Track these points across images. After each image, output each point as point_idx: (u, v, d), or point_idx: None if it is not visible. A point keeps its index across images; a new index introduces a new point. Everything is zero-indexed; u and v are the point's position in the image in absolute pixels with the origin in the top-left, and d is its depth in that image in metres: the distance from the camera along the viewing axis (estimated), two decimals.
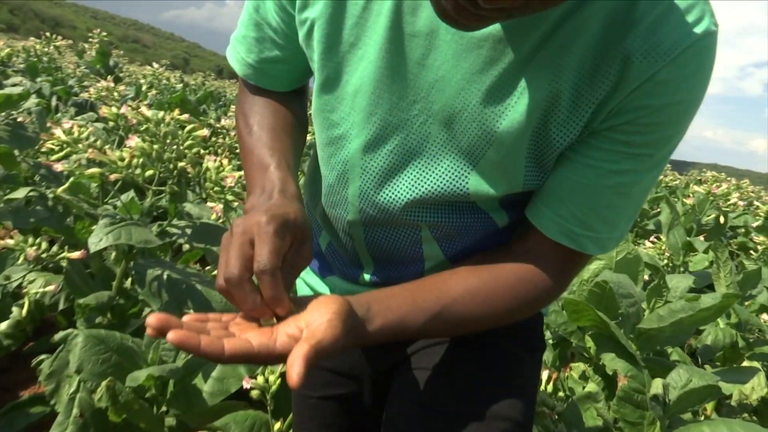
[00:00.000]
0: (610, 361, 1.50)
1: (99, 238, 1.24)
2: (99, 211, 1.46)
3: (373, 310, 0.61)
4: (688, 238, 2.33)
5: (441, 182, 0.68)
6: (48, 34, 4.02)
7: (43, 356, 1.56)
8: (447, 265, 0.74)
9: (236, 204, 1.32)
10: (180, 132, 1.39)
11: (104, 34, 5.19)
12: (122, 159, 1.26)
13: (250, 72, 0.78)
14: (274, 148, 0.72)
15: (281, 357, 0.52)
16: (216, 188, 1.28)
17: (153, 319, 0.48)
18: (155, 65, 3.93)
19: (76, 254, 1.45)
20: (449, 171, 0.67)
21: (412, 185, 0.69)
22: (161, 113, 1.37)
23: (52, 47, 4.01)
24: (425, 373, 0.77)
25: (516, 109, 0.61)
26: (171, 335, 0.47)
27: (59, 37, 4.05)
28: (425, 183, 0.68)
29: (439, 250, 0.76)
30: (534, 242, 0.70)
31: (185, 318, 0.54)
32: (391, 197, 0.70)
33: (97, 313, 1.55)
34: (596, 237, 0.67)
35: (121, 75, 5.41)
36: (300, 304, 0.58)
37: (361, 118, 0.68)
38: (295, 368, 0.47)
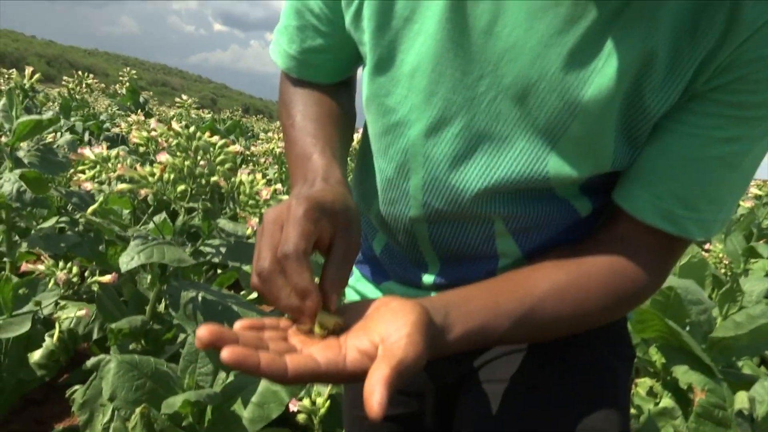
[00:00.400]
0: (684, 374, 1.36)
1: (130, 257, 1.18)
2: (130, 233, 1.41)
3: (452, 316, 0.53)
4: (750, 243, 2.17)
5: (516, 166, 0.60)
6: (80, 72, 4.10)
7: (76, 386, 1.50)
8: (523, 263, 0.65)
9: None
10: (212, 148, 1.34)
11: (134, 72, 5.29)
12: (152, 174, 1.21)
13: (293, 64, 0.73)
14: (317, 137, 0.67)
15: (352, 376, 0.45)
16: (251, 202, 1.21)
17: (204, 331, 0.41)
18: (184, 97, 3.97)
19: (107, 278, 1.40)
20: (525, 153, 0.59)
21: (483, 172, 0.61)
22: (192, 128, 1.32)
23: (84, 87, 4.09)
24: (501, 386, 0.67)
25: (604, 72, 0.53)
26: (226, 353, 0.40)
27: (91, 75, 4.12)
28: (497, 169, 0.61)
29: (514, 245, 0.67)
30: (626, 229, 0.61)
31: (238, 326, 0.47)
32: (459, 187, 0.63)
33: (130, 339, 1.49)
34: (700, 219, 0.58)
35: (151, 112, 5.51)
36: (353, 311, 0.50)
37: (421, 99, 0.61)
38: (375, 396, 0.40)
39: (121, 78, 5.17)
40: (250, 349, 0.42)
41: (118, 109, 5.49)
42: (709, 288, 1.62)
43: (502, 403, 0.65)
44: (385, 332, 0.46)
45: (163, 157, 1.21)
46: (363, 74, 0.69)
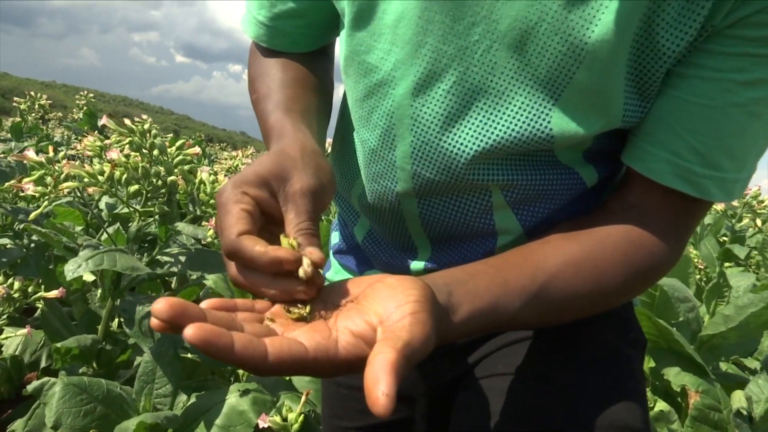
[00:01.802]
0: (676, 376, 1.30)
1: (78, 265, 1.06)
2: (80, 242, 1.29)
3: (456, 294, 0.45)
4: (726, 246, 2.15)
5: (515, 125, 0.53)
6: (33, 93, 3.92)
7: (18, 421, 1.34)
8: (524, 241, 0.58)
9: None
10: (170, 150, 1.24)
11: (92, 95, 5.12)
12: (102, 173, 1.10)
13: (262, 32, 0.66)
14: (292, 110, 0.59)
15: (345, 364, 0.37)
16: (212, 201, 1.11)
17: (162, 304, 0.33)
18: (144, 116, 3.82)
19: (54, 293, 1.27)
20: (525, 109, 0.53)
21: (479, 133, 0.54)
22: (147, 124, 1.22)
23: (37, 108, 3.91)
24: (505, 380, 0.59)
25: (611, 8, 0.47)
26: (191, 330, 0.31)
27: (44, 96, 3.95)
28: (495, 128, 0.54)
29: (515, 219, 0.59)
30: (639, 195, 0.55)
31: (205, 304, 0.38)
32: (452, 152, 0.56)
33: (80, 361, 1.34)
34: (721, 178, 0.52)
35: (109, 136, 5.32)
36: (340, 290, 0.43)
37: (407, 53, 0.54)
38: (380, 386, 0.32)
39: (78, 101, 4.99)
40: (220, 329, 0.32)
41: (74, 136, 5.28)
42: (693, 287, 1.58)
43: (508, 397, 0.57)
44: (384, 311, 0.38)
45: (114, 154, 1.11)
46: (341, 35, 0.62)
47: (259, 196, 0.44)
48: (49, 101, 4.07)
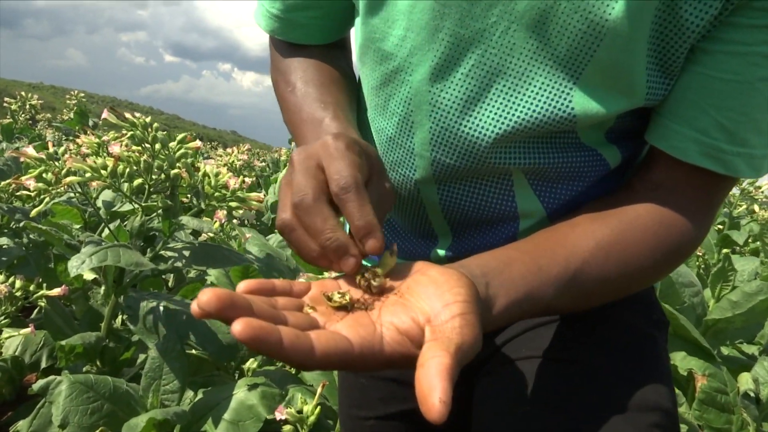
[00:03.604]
0: (682, 361, 1.30)
1: (81, 261, 1.05)
2: (81, 238, 1.27)
3: (493, 285, 0.44)
4: (725, 232, 2.17)
5: (536, 106, 0.53)
6: (23, 93, 3.88)
7: (21, 422, 1.33)
8: (546, 225, 0.57)
9: (240, 212, 1.14)
10: (171, 144, 1.22)
11: (82, 95, 5.07)
12: (105, 167, 1.08)
13: (277, 26, 0.66)
14: (326, 102, 0.60)
15: (389, 361, 0.36)
16: (217, 194, 1.10)
17: (210, 296, 0.32)
18: (137, 114, 3.79)
19: (56, 291, 1.25)
20: (546, 89, 0.52)
21: (499, 116, 0.54)
22: (149, 117, 1.20)
23: (28, 108, 3.87)
24: (530, 363, 0.58)
25: None
26: (240, 327, 0.30)
27: (35, 96, 3.90)
28: (516, 110, 0.53)
29: (537, 202, 0.59)
30: (664, 175, 0.55)
31: (242, 287, 0.37)
32: (472, 136, 0.55)
33: (84, 360, 1.33)
34: (749, 154, 0.51)
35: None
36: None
37: (423, 38, 0.54)
38: (436, 393, 0.31)
39: (68, 101, 4.94)
40: (269, 325, 0.32)
41: (65, 137, 5.23)
42: (695, 271, 1.59)
43: (536, 381, 0.56)
44: (431, 309, 0.37)
45: (117, 148, 1.09)
46: (356, 24, 0.62)
47: (365, 168, 0.44)
48: (40, 101, 4.02)
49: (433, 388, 0.31)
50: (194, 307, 0.32)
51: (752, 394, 1.20)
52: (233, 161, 2.83)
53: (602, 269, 0.50)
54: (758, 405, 1.20)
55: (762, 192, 2.28)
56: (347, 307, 0.38)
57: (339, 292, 0.38)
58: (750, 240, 2.16)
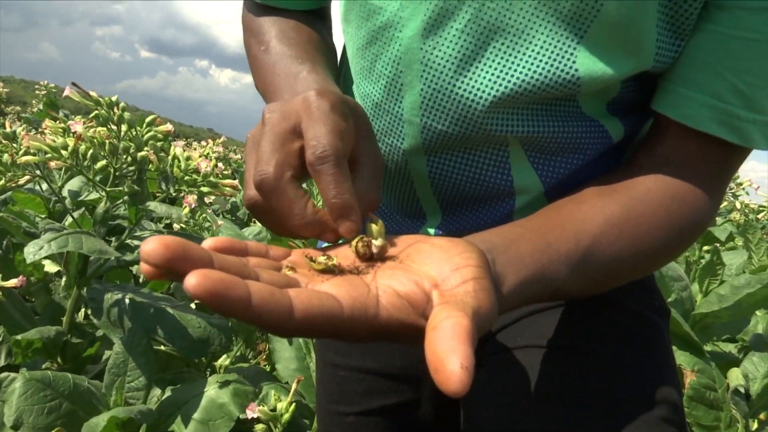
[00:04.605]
0: None
1: (39, 247, 0.97)
2: (42, 225, 1.19)
3: (499, 263, 0.38)
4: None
5: (537, 66, 0.48)
6: None
7: None
8: (544, 203, 0.52)
9: (212, 198, 1.07)
10: (139, 128, 1.15)
11: (52, 85, 4.92)
12: (65, 147, 1.01)
13: None
14: (303, 58, 0.53)
15: (384, 329, 0.30)
16: (187, 178, 1.03)
17: (156, 245, 0.25)
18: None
19: (12, 282, 1.17)
20: (548, 48, 0.47)
21: (497, 76, 0.49)
22: (115, 97, 1.13)
23: None
24: (529, 353, 0.53)
25: None
26: (194, 279, 0.24)
27: (0, 84, 3.76)
28: (515, 70, 0.48)
29: (535, 176, 0.54)
30: (673, 146, 0.50)
31: (210, 242, 0.31)
32: (467, 98, 0.50)
33: (43, 356, 1.25)
34: (766, 122, 0.47)
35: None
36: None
37: None
38: (455, 357, 0.25)
39: (38, 91, 4.78)
40: (232, 277, 0.25)
41: (35, 129, 5.07)
42: (683, 266, 1.56)
43: (534, 371, 0.51)
44: (438, 274, 0.32)
45: (79, 127, 1.02)
46: None
47: (350, 132, 0.39)
48: (5, 89, 3.87)
49: (451, 351, 0.25)
50: (141, 264, 0.26)
51: (742, 390, 1.17)
52: (208, 153, 2.74)
53: (614, 248, 0.45)
54: (748, 401, 1.17)
55: (743, 189, 2.28)
56: (333, 271, 0.31)
57: (324, 255, 0.32)
58: (734, 238, 2.16)
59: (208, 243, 0.31)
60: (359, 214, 0.35)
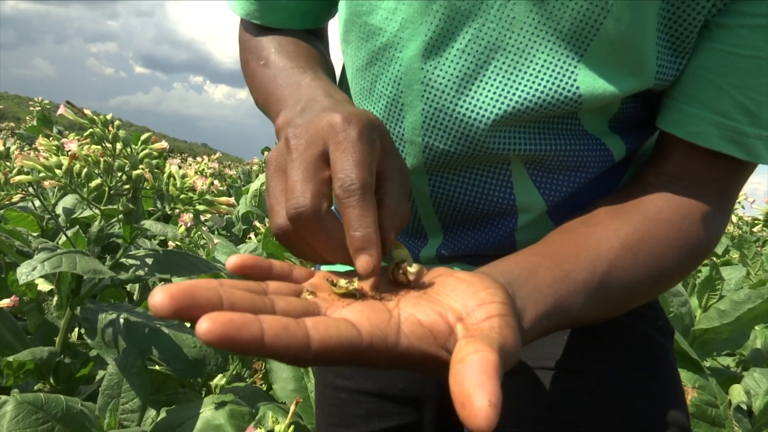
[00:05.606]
0: None
1: (32, 267, 0.95)
2: (35, 245, 1.17)
3: (520, 296, 0.38)
4: None
5: (538, 84, 0.48)
6: None
7: None
8: (546, 222, 0.52)
9: (208, 217, 1.06)
10: (134, 145, 1.14)
11: (47, 102, 4.90)
12: (59, 166, 1.00)
13: (253, 8, 0.59)
14: (304, 68, 0.53)
15: (405, 359, 0.29)
16: (183, 196, 1.02)
17: (162, 297, 0.25)
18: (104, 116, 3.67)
19: (5, 302, 1.15)
20: (549, 66, 0.47)
21: (498, 95, 0.49)
22: (110, 115, 1.12)
23: None
24: (533, 375, 0.53)
25: None
26: (205, 326, 0.23)
27: None
28: (516, 89, 0.48)
29: (537, 194, 0.53)
30: (680, 165, 0.50)
31: (233, 262, 0.32)
32: (469, 117, 0.49)
33: (35, 377, 1.22)
34: None
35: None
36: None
37: (415, 9, 0.49)
38: (483, 393, 0.24)
39: (32, 107, 4.77)
40: (246, 316, 0.25)
41: (28, 145, 5.05)
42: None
43: (539, 394, 0.50)
44: (463, 307, 0.31)
45: (73, 145, 1.01)
46: (340, 3, 0.56)
47: (377, 152, 0.38)
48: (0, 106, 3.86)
49: (479, 386, 0.24)
50: (156, 307, 0.25)
51: (744, 407, 1.16)
52: (203, 169, 2.73)
53: (630, 271, 0.45)
54: (750, 418, 1.16)
55: (738, 203, 2.28)
56: (355, 295, 0.31)
57: (346, 279, 0.31)
58: (730, 252, 2.16)
59: (232, 261, 0.31)
60: (379, 251, 0.34)
